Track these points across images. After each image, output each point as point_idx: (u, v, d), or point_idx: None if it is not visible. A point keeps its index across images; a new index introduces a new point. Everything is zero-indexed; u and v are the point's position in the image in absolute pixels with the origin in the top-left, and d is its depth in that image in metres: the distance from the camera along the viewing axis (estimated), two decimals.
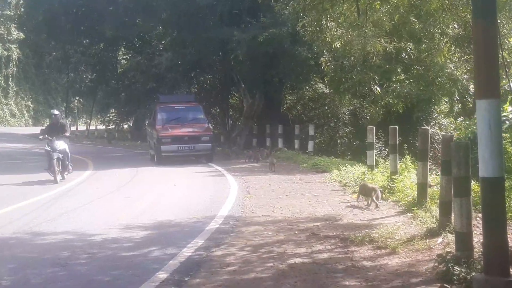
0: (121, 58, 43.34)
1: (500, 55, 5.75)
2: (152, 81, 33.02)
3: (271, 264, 6.98)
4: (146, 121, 28.84)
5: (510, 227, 7.84)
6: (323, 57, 20.15)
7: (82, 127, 60.84)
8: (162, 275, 6.74)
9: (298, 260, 7.11)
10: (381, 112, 22.91)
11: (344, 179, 14.18)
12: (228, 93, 32.81)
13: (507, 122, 12.71)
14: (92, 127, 51.25)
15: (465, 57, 17.17)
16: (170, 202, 12.32)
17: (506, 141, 12.74)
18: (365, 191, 10.89)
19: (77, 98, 59.49)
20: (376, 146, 20.06)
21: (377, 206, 10.47)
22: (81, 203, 12.32)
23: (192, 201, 12.23)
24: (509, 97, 10.59)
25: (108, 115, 48.00)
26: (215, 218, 10.18)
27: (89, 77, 45.34)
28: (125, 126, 46.59)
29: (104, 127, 48.65)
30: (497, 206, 5.23)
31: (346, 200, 11.67)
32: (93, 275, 6.87)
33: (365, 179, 13.11)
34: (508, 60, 13.12)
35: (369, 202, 10.64)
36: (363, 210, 10.36)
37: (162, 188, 14.64)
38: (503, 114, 12.60)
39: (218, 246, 8.08)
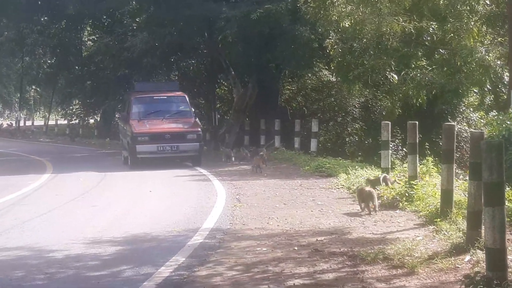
0: (86, 39, 43.28)
1: None
2: (123, 67, 33.00)
3: (266, 286, 6.98)
4: (117, 115, 28.74)
5: None
6: (329, 39, 20.19)
7: (39, 122, 60.71)
8: None
9: (298, 281, 7.11)
10: (398, 104, 22.95)
11: (353, 185, 14.17)
12: (215, 81, 32.79)
13: None
14: (52, 122, 51.14)
15: (499, 39, 17.21)
16: (145, 212, 12.31)
17: None
18: (363, 197, 11.30)
19: (33, 87, 59.35)
20: (392, 146, 20.12)
21: (370, 213, 11.06)
22: (38, 213, 12.28)
23: (171, 211, 12.22)
24: None
25: (71, 107, 47.90)
26: (199, 231, 10.17)
27: (48, 62, 45.22)
28: (91, 121, 46.52)
29: (66, 122, 48.54)
30: None
31: (356, 209, 11.67)
32: None
33: (362, 181, 13.60)
34: None
35: (368, 209, 11.15)
36: (376, 223, 10.38)
37: (136, 195, 14.62)
38: None
39: (202, 264, 8.07)
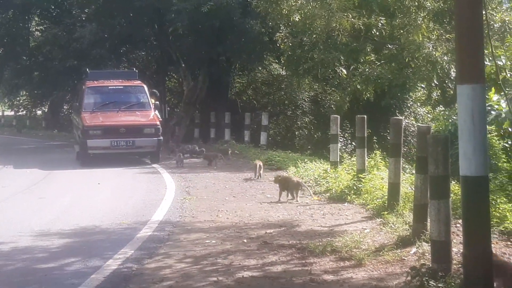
0: (34, 29, 42.57)
1: (485, 33, 5.87)
2: (72, 58, 32.51)
3: (215, 278, 6.99)
4: (65, 106, 28.22)
5: (494, 235, 8.04)
6: (279, 33, 20.20)
7: None
8: None
9: (247, 273, 7.14)
10: (348, 99, 23.14)
11: (302, 178, 14.27)
12: (165, 74, 32.62)
13: (493, 112, 12.99)
14: None
15: (446, 35, 17.45)
16: (94, 204, 12.22)
17: (492, 134, 13.03)
18: (290, 186, 12.06)
19: None
20: (341, 139, 20.31)
21: (297, 199, 11.91)
22: None
23: (120, 204, 12.15)
24: (499, 82, 10.80)
25: (18, 98, 47.15)
26: (148, 224, 10.14)
27: None
28: (39, 112, 45.89)
29: (13, 113, 47.81)
30: (480, 210, 5.34)
31: (305, 202, 11.76)
32: None
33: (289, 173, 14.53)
34: (494, 37, 13.42)
35: (295, 196, 11.97)
36: (324, 215, 10.47)
37: (84, 188, 14.49)
38: (488, 103, 12.86)
39: (151, 257, 8.06)
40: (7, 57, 40.76)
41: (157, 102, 21.75)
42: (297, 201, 11.86)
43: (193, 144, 22.75)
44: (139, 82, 21.60)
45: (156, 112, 20.71)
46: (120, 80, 21.50)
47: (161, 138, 19.61)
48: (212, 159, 18.31)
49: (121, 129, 18.98)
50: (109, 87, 20.90)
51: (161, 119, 21.00)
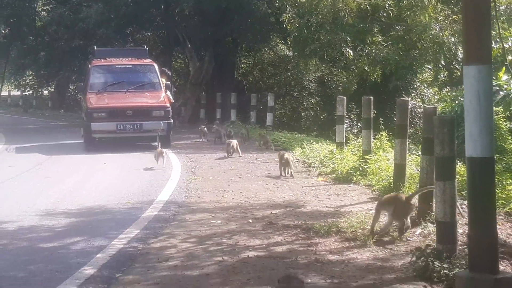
0: (40, 9, 42.54)
1: (492, 14, 5.84)
2: (78, 38, 32.51)
3: (220, 258, 7.00)
4: (72, 86, 28.06)
5: (500, 217, 8.04)
6: (286, 13, 20.14)
7: None
8: (88, 270, 6.71)
9: (252, 253, 7.15)
10: (355, 80, 23.11)
11: (308, 159, 14.29)
12: (171, 54, 32.54)
13: (501, 92, 12.92)
14: (5, 93, 50.38)
15: (453, 16, 17.38)
16: (99, 184, 12.25)
17: (499, 116, 13.00)
18: (286, 162, 12.47)
19: None
20: (347, 120, 20.28)
21: (286, 176, 12.36)
22: None
23: (126, 184, 12.18)
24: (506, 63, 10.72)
25: (24, 78, 47.18)
26: (154, 204, 10.17)
27: (2, 32, 44.40)
28: (45, 92, 45.94)
29: (19, 93, 47.85)
30: (485, 192, 5.33)
31: (311, 183, 11.77)
32: (5, 270, 6.80)
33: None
34: (501, 19, 13.34)
35: (284, 173, 12.44)
36: (330, 196, 10.47)
37: (90, 168, 14.52)
38: (496, 83, 12.79)
39: (156, 237, 8.08)
40: (14, 37, 40.83)
41: (168, 82, 20.39)
42: (292, 177, 12.34)
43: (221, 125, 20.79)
44: (150, 60, 20.36)
45: (168, 93, 19.62)
46: (129, 59, 20.24)
47: (171, 121, 18.33)
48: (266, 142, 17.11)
49: (127, 111, 17.79)
50: (117, 66, 19.72)
51: (172, 100, 20.24)
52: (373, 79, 20.64)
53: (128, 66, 19.85)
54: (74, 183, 12.48)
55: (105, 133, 18.06)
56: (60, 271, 6.73)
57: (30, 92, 45.36)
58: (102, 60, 19.97)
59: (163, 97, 18.67)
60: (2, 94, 49.32)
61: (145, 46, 23.95)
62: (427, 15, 13.73)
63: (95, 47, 21.76)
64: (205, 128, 19.99)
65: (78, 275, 6.56)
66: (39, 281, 6.43)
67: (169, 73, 22.40)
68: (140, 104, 18.24)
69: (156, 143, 17.19)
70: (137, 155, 16.54)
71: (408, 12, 16.58)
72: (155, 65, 19.88)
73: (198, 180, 12.39)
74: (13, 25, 40.73)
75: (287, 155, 12.85)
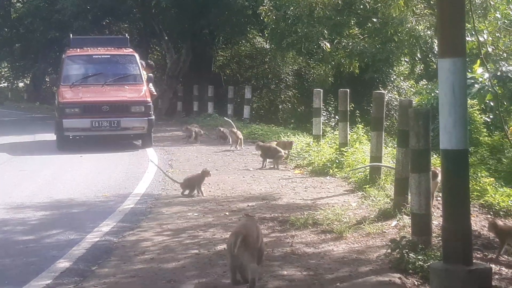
0: (15, 0, 42.14)
1: (467, 8, 5.87)
2: (54, 30, 32.30)
3: (196, 251, 7.00)
4: (47, 79, 27.54)
5: (475, 209, 8.11)
6: (263, 6, 20.15)
7: None
8: (63, 263, 6.68)
9: None
10: (331, 73, 23.17)
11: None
12: (148, 46, 32.46)
13: (476, 85, 13.03)
14: None
15: (427, 11, 17.46)
16: (75, 177, 12.19)
17: (474, 108, 13.09)
18: (272, 154, 12.68)
19: None
20: (324, 113, 20.31)
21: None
22: None
23: (102, 177, 12.13)
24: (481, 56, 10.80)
25: (0, 70, 46.78)
26: (130, 197, 10.14)
27: None
28: (21, 84, 45.58)
29: None
30: (460, 184, 5.36)
31: (288, 176, 11.79)
32: None
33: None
34: (476, 12, 13.43)
35: (276, 165, 12.58)
36: (306, 189, 10.49)
37: (65, 160, 14.44)
38: (470, 75, 12.90)
39: (132, 229, 8.06)
40: None
41: (151, 75, 18.80)
42: (277, 168, 12.49)
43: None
44: (130, 50, 18.63)
45: (151, 86, 18.35)
46: (108, 48, 18.40)
47: (153, 117, 16.61)
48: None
49: (103, 106, 16.11)
50: (94, 56, 17.95)
51: (155, 93, 19.32)
52: (349, 72, 20.71)
53: (106, 56, 18.02)
54: (49, 176, 12.40)
55: (78, 131, 16.41)
56: (35, 264, 6.70)
57: (6, 84, 44.98)
58: (77, 50, 18.25)
59: (144, 91, 16.98)
60: None
61: (127, 35, 22.37)
62: (397, 9, 13.76)
63: (71, 35, 20.07)
64: (223, 130, 17.06)
65: (53, 268, 6.53)
66: (14, 274, 6.39)
67: (152, 63, 21.33)
68: (117, 99, 16.43)
69: (136, 142, 16.94)
70: (113, 148, 16.40)
71: (384, 5, 16.64)
72: (136, 55, 18.23)
73: (175, 172, 12.36)
74: None
75: (277, 147, 13.11)
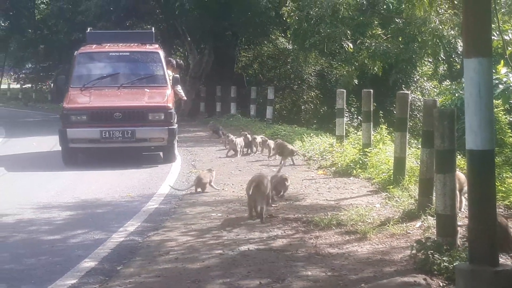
0: (39, 2, 42.53)
1: (492, 7, 5.83)
2: (78, 31, 32.54)
3: (220, 251, 7.01)
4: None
5: (500, 210, 8.05)
6: (286, 7, 20.13)
7: None
8: (88, 263, 6.73)
9: (252, 246, 7.16)
10: (355, 74, 23.12)
11: (308, 152, 14.29)
12: (171, 47, 32.55)
13: (500, 86, 12.92)
14: (4, 86, 50.39)
15: (451, 10, 17.36)
16: (99, 177, 12.25)
17: (498, 109, 13.00)
18: (283, 151, 12.95)
19: None
20: (347, 114, 20.28)
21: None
22: None
23: (126, 177, 12.19)
24: (506, 56, 10.73)
25: (24, 71, 47.15)
26: (154, 197, 10.18)
27: (1, 24, 44.39)
28: (45, 86, 45.93)
29: (18, 86, 47.83)
30: (485, 184, 5.33)
31: (311, 176, 11.77)
32: (5, 263, 6.82)
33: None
34: (501, 12, 13.36)
35: (284, 162, 12.67)
36: (330, 189, 10.48)
37: (90, 161, 14.51)
38: (495, 76, 12.81)
39: (157, 230, 8.09)
40: (13, 30, 40.81)
41: (177, 76, 16.12)
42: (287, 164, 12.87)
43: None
44: (155, 46, 16.02)
45: (179, 89, 16.27)
46: (128, 44, 15.92)
47: (175, 126, 14.02)
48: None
49: (116, 113, 13.62)
50: (110, 54, 15.52)
51: (184, 98, 17.14)
52: (373, 72, 20.64)
53: (124, 53, 15.52)
54: (74, 176, 12.47)
55: (85, 143, 13.74)
56: (61, 263, 6.75)
57: (30, 85, 45.32)
58: (93, 46, 15.85)
59: (168, 95, 14.44)
60: (1, 87, 49.31)
61: (153, 29, 19.29)
62: (422, 9, 13.70)
63: (89, 28, 17.89)
64: (248, 135, 15.13)
65: (78, 268, 6.58)
66: (40, 274, 6.44)
67: (181, 63, 18.02)
68: (132, 104, 13.94)
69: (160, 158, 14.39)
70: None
71: (407, 5, 16.57)
72: (161, 52, 15.58)
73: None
74: (12, 18, 40.72)
75: (291, 146, 13.46)
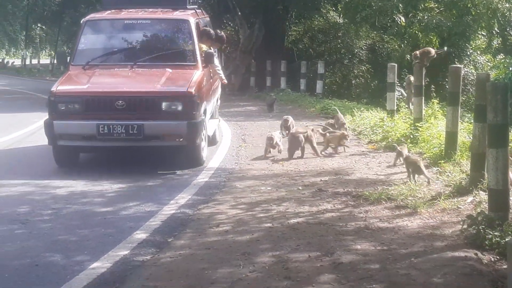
0: None
1: None
2: None
3: (270, 224, 7.05)
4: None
5: None
6: None
7: (45, 60, 60.60)
8: (140, 235, 6.83)
9: (301, 220, 7.18)
10: (408, 49, 22.85)
11: (358, 127, 14.19)
12: (221, 22, 32.55)
13: None
14: None
15: None
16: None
17: None
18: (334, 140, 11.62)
19: (39, 25, 58.92)
20: (398, 88, 20.07)
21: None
22: (43, 151, 12.31)
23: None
24: None
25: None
26: (204, 171, 10.24)
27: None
28: None
29: None
30: None
31: (361, 151, 11.71)
32: (58, 234, 6.96)
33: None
34: None
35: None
36: (380, 164, 10.42)
37: None
38: None
39: (207, 203, 8.15)
40: (66, 5, 41.19)
41: (211, 51, 11.77)
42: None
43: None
44: (186, 13, 12.26)
45: (218, 68, 12.61)
46: (153, 10, 12.41)
47: (197, 120, 10.31)
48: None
49: (118, 101, 10.09)
50: (126, 22, 12.07)
51: (225, 80, 13.32)
52: (425, 46, 20.36)
53: (144, 21, 12.01)
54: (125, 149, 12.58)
55: (77, 139, 10.35)
56: (113, 235, 6.86)
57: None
58: (105, 12, 12.54)
59: (196, 77, 10.78)
60: (55, 62, 49.93)
61: None
62: None
63: None
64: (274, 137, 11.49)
65: (130, 239, 6.69)
66: (93, 245, 6.56)
67: (223, 35, 13.46)
68: (139, 90, 10.51)
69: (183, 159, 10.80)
70: None
71: None
72: (192, 20, 11.87)
73: (248, 147, 12.43)
74: None
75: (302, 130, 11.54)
